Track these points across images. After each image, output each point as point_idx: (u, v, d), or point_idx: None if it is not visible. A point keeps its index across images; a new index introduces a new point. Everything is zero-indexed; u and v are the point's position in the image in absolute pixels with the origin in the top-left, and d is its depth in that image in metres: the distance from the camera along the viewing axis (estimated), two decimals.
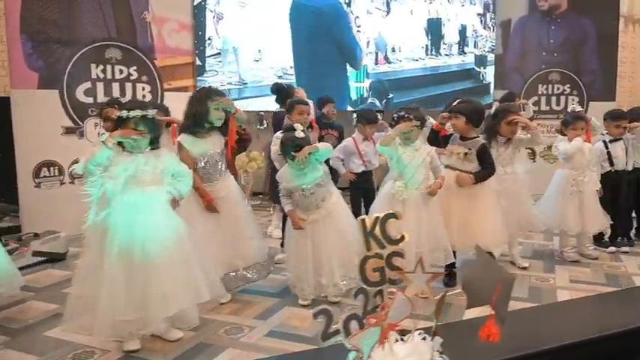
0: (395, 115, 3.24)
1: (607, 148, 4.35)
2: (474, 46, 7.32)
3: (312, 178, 3.06)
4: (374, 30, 6.69)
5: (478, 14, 7.26)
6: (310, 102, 4.40)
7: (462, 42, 7.25)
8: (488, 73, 7.43)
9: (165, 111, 3.58)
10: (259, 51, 6.16)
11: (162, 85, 5.67)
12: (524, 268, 3.90)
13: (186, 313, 2.63)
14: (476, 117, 3.50)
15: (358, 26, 6.59)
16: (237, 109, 3.22)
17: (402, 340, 1.90)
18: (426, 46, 7.01)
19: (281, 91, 4.83)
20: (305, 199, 3.11)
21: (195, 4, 5.83)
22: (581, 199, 4.03)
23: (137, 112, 2.56)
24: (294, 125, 3.05)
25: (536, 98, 7.43)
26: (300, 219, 3.11)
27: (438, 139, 3.56)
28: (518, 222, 3.84)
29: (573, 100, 7.39)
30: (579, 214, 4.02)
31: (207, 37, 5.93)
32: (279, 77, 6.27)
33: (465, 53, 7.28)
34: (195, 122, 3.08)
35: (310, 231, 3.09)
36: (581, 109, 4.27)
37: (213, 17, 5.95)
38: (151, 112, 2.59)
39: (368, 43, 6.68)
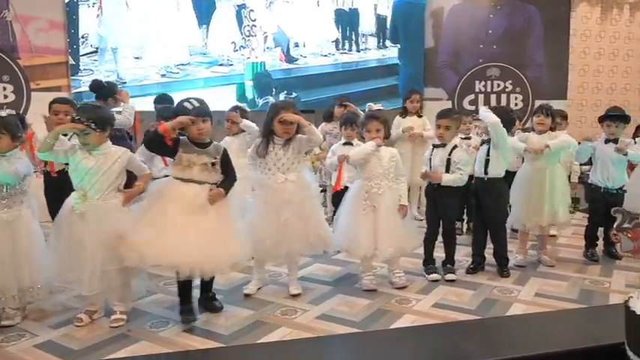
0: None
1: (431, 154, 3.62)
2: None
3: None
4: (273, 24, 6.18)
5: None
6: None
7: (382, 35, 6.54)
8: None
9: None
10: (139, 48, 5.85)
11: (29, 85, 5.53)
12: (296, 296, 3.28)
13: None
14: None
15: (253, 20, 6.11)
16: None
17: None
18: (337, 39, 6.38)
19: (101, 89, 4.50)
20: None
21: (66, 1, 5.63)
22: (376, 216, 3.35)
23: None
24: None
25: (472, 97, 6.59)
26: None
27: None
28: (305, 239, 3.23)
29: (516, 97, 6.50)
30: (373, 233, 3.34)
31: (81, 35, 5.71)
32: (163, 75, 5.93)
33: (387, 47, 6.57)
34: None
35: None
36: (381, 108, 3.57)
37: (92, 14, 5.71)
38: None
39: (266, 38, 6.18)
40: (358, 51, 6.45)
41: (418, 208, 5.58)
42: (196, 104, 2.81)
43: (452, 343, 2.66)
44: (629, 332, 2.37)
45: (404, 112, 5.37)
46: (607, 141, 4.07)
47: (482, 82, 6.53)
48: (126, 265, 2.78)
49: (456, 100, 6.57)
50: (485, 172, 3.68)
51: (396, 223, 3.35)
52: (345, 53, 6.42)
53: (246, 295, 3.31)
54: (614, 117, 4.07)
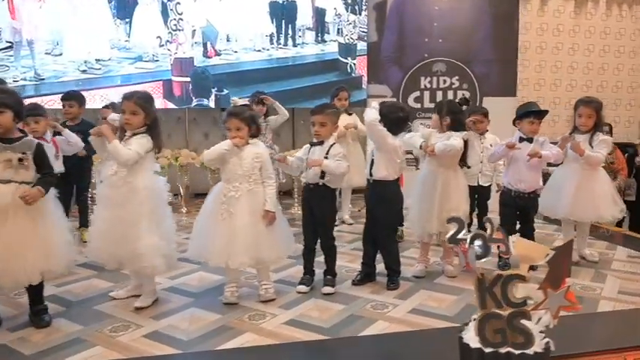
0: None
1: (308, 153, 3.28)
2: (338, 33, 6.24)
3: None
4: (201, 18, 5.87)
5: None
6: None
7: (321, 29, 6.20)
8: (360, 64, 6.31)
9: None
10: (57, 43, 5.59)
11: None
12: (139, 309, 2.96)
13: None
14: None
15: (180, 14, 5.81)
16: None
17: None
18: (272, 34, 6.06)
19: None
20: None
21: None
22: (232, 221, 3.01)
23: None
24: None
25: (417, 94, 6.22)
26: None
27: None
28: (132, 244, 2.87)
29: (463, 94, 6.10)
30: (228, 240, 3.00)
31: None
32: (84, 71, 5.66)
33: (326, 42, 6.23)
34: None
35: None
36: (246, 103, 3.25)
37: (4, 8, 5.46)
38: None
39: (194, 32, 5.88)
40: (295, 46, 6.12)
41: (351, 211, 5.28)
42: None
43: None
44: None
45: None
46: (522, 139, 3.70)
47: (428, 78, 6.15)
48: None
49: (400, 97, 6.19)
50: (371, 174, 3.34)
51: (255, 230, 3.01)
52: (281, 48, 6.09)
53: None
54: (539, 113, 3.72)
